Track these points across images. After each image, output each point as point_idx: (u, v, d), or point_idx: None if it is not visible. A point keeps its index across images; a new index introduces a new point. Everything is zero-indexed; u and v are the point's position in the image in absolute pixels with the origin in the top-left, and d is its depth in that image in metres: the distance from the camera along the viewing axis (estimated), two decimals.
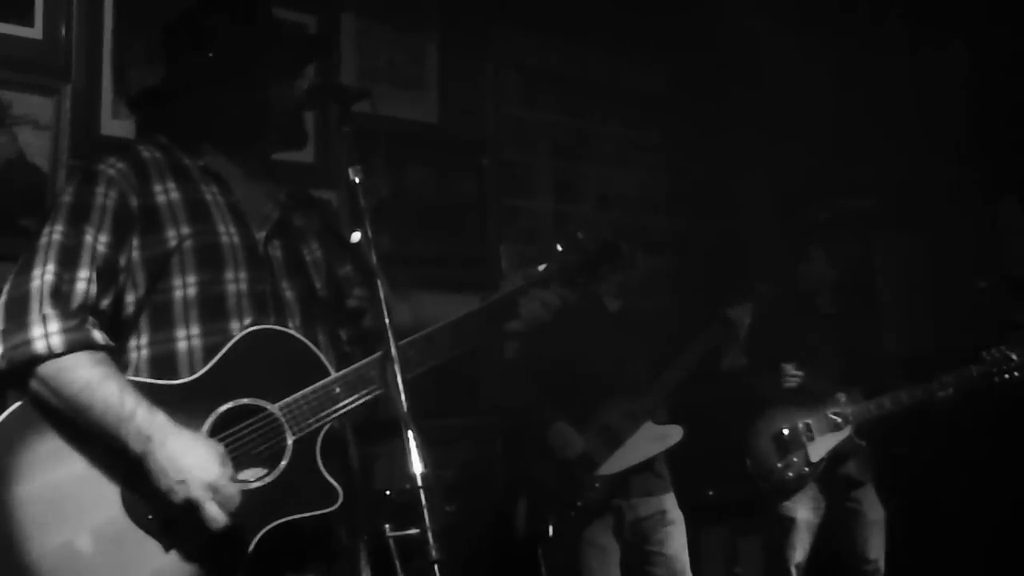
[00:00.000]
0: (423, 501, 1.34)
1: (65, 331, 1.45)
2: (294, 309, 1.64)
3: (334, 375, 1.54)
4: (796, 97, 4.23)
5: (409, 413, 1.39)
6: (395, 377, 1.42)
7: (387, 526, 2.16)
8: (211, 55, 1.64)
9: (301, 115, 1.71)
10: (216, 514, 1.42)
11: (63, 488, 1.46)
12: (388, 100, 3.48)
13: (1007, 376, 3.11)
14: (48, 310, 1.45)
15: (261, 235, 1.65)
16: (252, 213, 1.66)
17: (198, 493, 1.42)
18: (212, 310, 1.56)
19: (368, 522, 1.78)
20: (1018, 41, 3.93)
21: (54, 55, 2.84)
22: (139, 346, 1.55)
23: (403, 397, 1.40)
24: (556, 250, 1.74)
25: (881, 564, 3.34)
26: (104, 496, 1.46)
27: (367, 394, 1.55)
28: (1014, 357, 3.10)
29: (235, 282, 1.58)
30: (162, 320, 1.54)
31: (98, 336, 1.48)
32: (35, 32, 2.82)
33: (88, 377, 1.44)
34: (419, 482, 1.35)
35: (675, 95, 4.41)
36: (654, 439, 3.05)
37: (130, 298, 1.54)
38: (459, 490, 2.94)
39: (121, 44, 2.95)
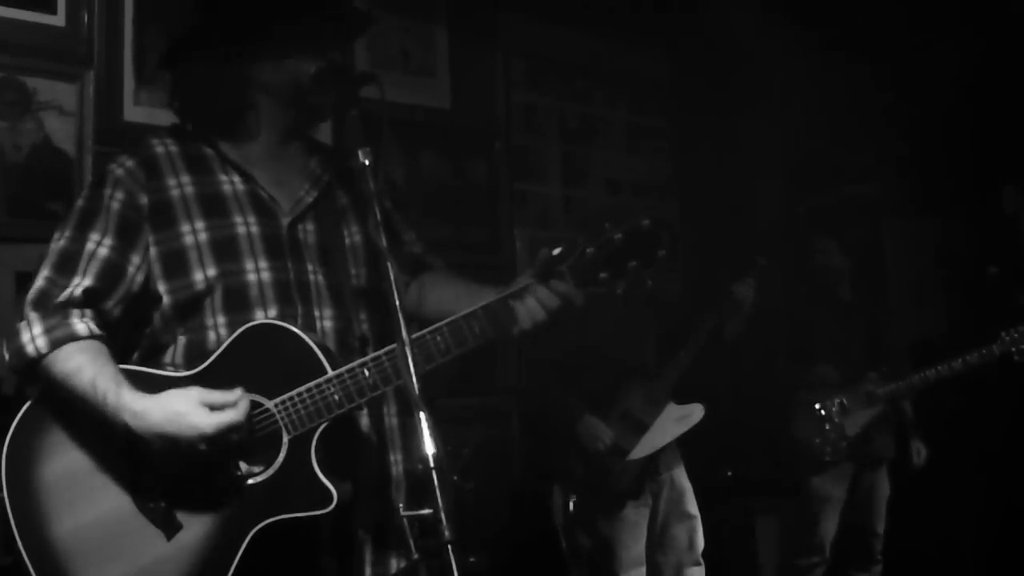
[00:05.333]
0: (435, 482, 1.29)
1: (47, 331, 1.50)
2: (325, 297, 1.58)
3: (329, 374, 1.47)
4: (799, 82, 4.18)
5: (421, 395, 1.33)
6: (406, 358, 1.34)
7: (400, 505, 2.16)
8: (206, 21, 1.57)
9: (303, 98, 1.57)
10: (233, 416, 1.40)
11: (79, 471, 1.50)
12: (400, 87, 3.48)
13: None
14: (31, 314, 1.52)
15: (287, 221, 1.59)
16: (281, 198, 1.61)
17: (200, 420, 1.40)
18: (236, 301, 1.54)
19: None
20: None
21: (76, 42, 2.90)
22: (175, 333, 1.57)
23: (414, 378, 1.33)
24: (576, 243, 1.50)
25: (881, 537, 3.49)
26: (112, 483, 1.50)
27: (366, 399, 1.49)
28: None
29: (255, 272, 1.55)
30: (192, 310, 1.55)
31: (80, 328, 1.50)
32: (58, 19, 2.88)
33: (67, 370, 1.48)
34: (431, 463, 1.30)
35: (679, 81, 4.45)
36: (678, 419, 3.07)
37: (161, 289, 1.56)
38: (476, 469, 2.92)
39: (141, 31, 3.01)
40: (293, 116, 1.61)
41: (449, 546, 1.27)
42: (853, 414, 3.35)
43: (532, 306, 1.48)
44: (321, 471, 1.46)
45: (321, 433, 1.47)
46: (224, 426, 1.41)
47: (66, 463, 1.50)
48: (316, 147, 1.71)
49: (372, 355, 1.48)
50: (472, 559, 2.38)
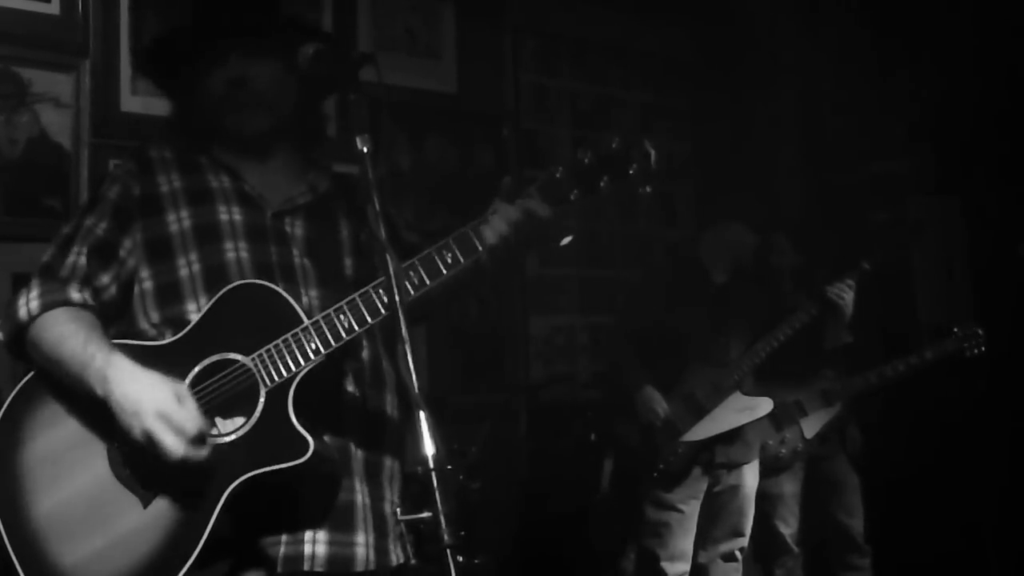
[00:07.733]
0: (434, 484, 1.28)
1: (42, 295, 1.58)
2: (312, 279, 1.63)
3: (306, 322, 1.50)
4: (822, 58, 4.10)
5: (421, 394, 1.32)
6: (407, 359, 1.34)
7: (398, 510, 2.15)
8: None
9: (217, 110, 1.63)
10: (172, 443, 1.42)
11: (58, 449, 1.54)
12: (405, 70, 3.44)
13: (976, 351, 3.24)
14: (33, 281, 1.61)
15: (271, 212, 1.66)
16: (270, 196, 1.68)
17: (151, 423, 1.43)
18: (216, 279, 1.60)
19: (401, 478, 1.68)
20: None
21: (71, 31, 2.90)
22: (154, 322, 1.62)
23: (414, 379, 1.33)
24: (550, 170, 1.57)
25: (861, 527, 3.44)
26: (91, 455, 1.53)
27: (341, 343, 1.51)
28: (981, 333, 3.23)
29: (235, 251, 1.61)
30: (173, 296, 1.61)
31: (75, 296, 1.58)
32: (52, 7, 2.87)
33: (60, 331, 1.54)
34: (431, 464, 1.28)
35: (698, 58, 4.37)
36: (741, 410, 3.07)
37: (143, 274, 1.63)
38: (484, 467, 2.93)
39: (137, 19, 3.00)
40: (218, 125, 1.66)
41: (448, 551, 1.25)
42: (810, 415, 3.28)
43: (496, 223, 1.54)
44: (298, 420, 1.46)
45: (299, 384, 1.48)
46: (162, 447, 1.42)
47: (50, 441, 1.53)
48: (320, 166, 1.77)
49: (347, 298, 1.51)
50: (478, 560, 2.38)
